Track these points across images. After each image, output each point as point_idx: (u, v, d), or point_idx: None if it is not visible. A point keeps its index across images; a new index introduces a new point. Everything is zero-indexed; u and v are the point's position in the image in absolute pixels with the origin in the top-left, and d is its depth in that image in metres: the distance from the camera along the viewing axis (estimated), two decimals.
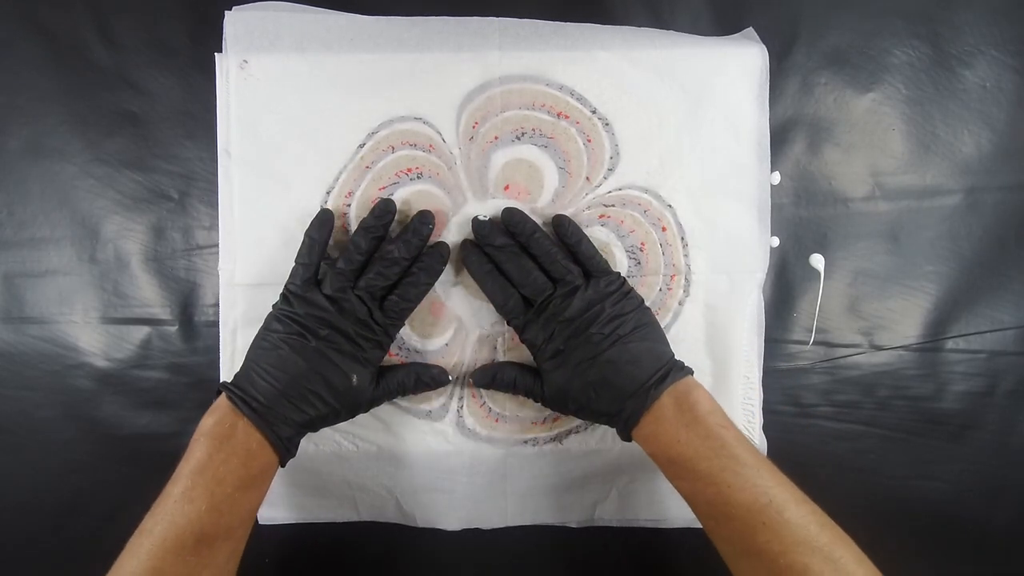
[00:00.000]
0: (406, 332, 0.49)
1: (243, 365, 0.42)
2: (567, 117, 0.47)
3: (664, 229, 0.48)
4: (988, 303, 0.51)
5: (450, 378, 0.47)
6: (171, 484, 0.38)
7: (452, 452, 0.49)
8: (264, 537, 0.51)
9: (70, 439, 0.51)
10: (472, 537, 0.51)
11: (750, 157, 0.49)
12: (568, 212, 0.48)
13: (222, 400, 0.40)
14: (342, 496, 0.50)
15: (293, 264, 0.44)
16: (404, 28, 0.47)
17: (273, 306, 0.43)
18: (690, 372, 0.42)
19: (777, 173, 0.49)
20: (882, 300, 0.51)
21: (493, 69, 0.47)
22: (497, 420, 0.49)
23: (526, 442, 0.49)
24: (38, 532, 0.51)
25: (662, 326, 0.49)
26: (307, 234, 0.44)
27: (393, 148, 0.47)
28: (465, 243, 0.47)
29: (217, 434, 0.39)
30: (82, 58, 0.49)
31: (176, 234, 0.50)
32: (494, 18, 0.47)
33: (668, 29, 0.48)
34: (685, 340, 0.49)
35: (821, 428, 0.52)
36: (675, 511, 0.51)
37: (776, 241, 0.50)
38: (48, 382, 0.51)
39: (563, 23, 0.47)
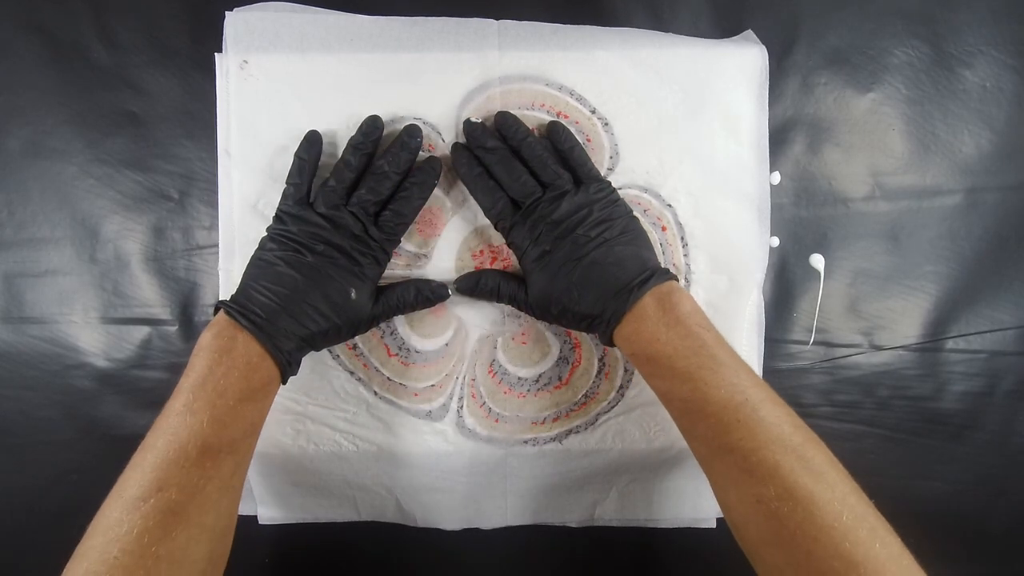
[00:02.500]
0: (406, 332, 0.49)
1: (240, 285, 0.42)
2: (567, 117, 0.47)
3: (664, 229, 0.48)
4: (988, 303, 0.51)
5: (450, 292, 0.47)
6: (172, 399, 0.38)
7: (452, 452, 0.49)
8: (264, 537, 0.51)
9: (70, 439, 0.51)
10: (472, 537, 0.51)
11: (750, 157, 0.49)
12: None
13: (220, 316, 0.40)
14: (342, 496, 0.50)
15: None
16: (404, 28, 0.47)
17: (267, 229, 0.43)
18: (674, 277, 0.42)
19: (777, 173, 0.49)
20: (882, 300, 0.51)
21: (493, 69, 0.47)
22: (497, 420, 0.49)
23: (526, 442, 0.49)
24: (38, 532, 0.51)
25: None
26: (296, 155, 0.44)
27: None
28: (455, 145, 0.46)
29: (217, 347, 0.39)
30: (82, 58, 0.49)
31: (176, 234, 0.50)
32: (493, 19, 0.47)
33: (668, 30, 0.48)
34: None
35: (821, 428, 0.51)
36: (675, 511, 0.51)
37: (776, 241, 0.50)
38: (48, 382, 0.51)
39: (563, 24, 0.47)
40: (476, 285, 0.46)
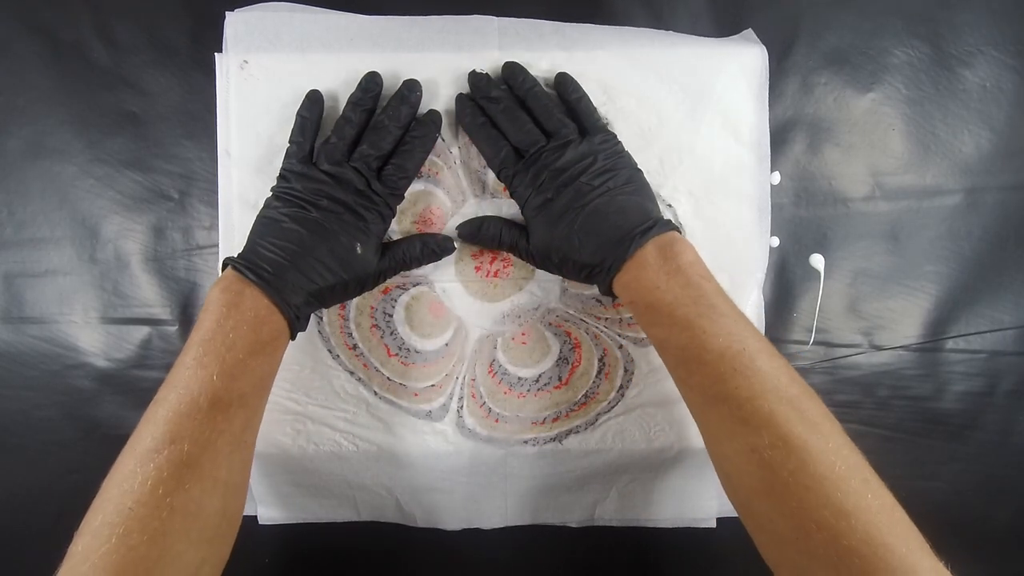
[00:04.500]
0: (406, 332, 0.49)
1: (247, 242, 0.42)
2: None
3: None
4: (988, 303, 0.51)
5: (455, 245, 0.47)
6: (183, 355, 0.38)
7: (452, 452, 0.49)
8: (264, 537, 0.51)
9: (70, 439, 0.51)
10: (472, 537, 0.51)
11: (750, 157, 0.49)
12: None
13: (228, 272, 0.40)
14: (342, 496, 0.50)
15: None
16: (404, 28, 0.47)
17: (271, 188, 0.44)
18: (676, 228, 0.42)
19: (777, 173, 0.49)
20: (882, 300, 0.51)
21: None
22: (497, 420, 0.49)
23: (526, 442, 0.49)
24: (38, 532, 0.51)
25: None
26: (298, 114, 0.44)
27: None
28: (460, 96, 0.46)
29: (225, 301, 0.39)
30: (82, 58, 0.49)
31: (176, 234, 0.50)
32: (494, 17, 0.47)
33: (668, 29, 0.48)
34: None
35: None
36: (675, 511, 0.51)
37: (776, 241, 0.50)
38: (48, 382, 0.51)
39: (563, 23, 0.47)
40: (479, 231, 0.46)
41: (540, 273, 0.49)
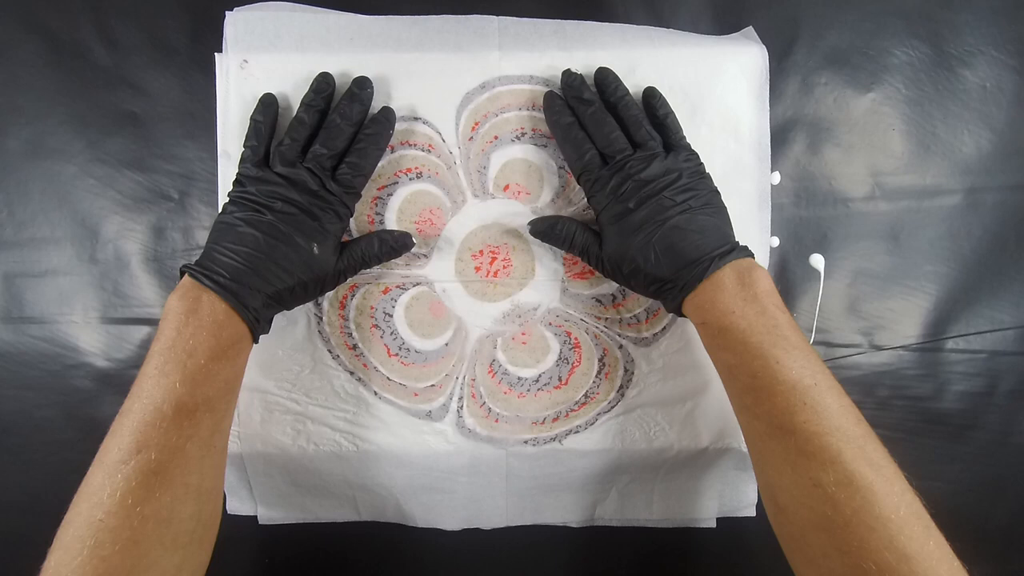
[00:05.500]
0: (406, 332, 0.49)
1: (204, 249, 0.42)
2: None
3: None
4: (988, 303, 0.51)
5: (415, 241, 0.47)
6: (145, 365, 0.38)
7: (452, 452, 0.49)
8: (264, 537, 0.51)
9: (70, 439, 0.51)
10: (472, 537, 0.51)
11: (750, 157, 0.48)
12: (568, 212, 0.48)
13: (185, 279, 0.40)
14: (342, 496, 0.50)
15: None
16: (404, 28, 0.47)
17: (228, 194, 0.43)
18: (752, 255, 0.42)
19: (777, 173, 0.49)
20: (882, 300, 0.51)
21: (493, 69, 0.47)
22: (497, 420, 0.49)
23: (526, 442, 0.49)
24: (38, 532, 0.51)
25: (662, 326, 0.49)
26: (252, 118, 0.44)
27: (392, 148, 0.47)
28: (550, 93, 0.46)
29: (183, 308, 0.39)
30: (82, 58, 0.49)
31: (176, 234, 0.50)
32: (494, 17, 0.47)
33: (668, 29, 0.48)
34: (686, 340, 0.49)
35: None
36: (675, 511, 0.51)
37: (776, 241, 0.50)
38: (48, 382, 0.51)
39: (562, 22, 0.47)
40: (552, 229, 0.45)
41: (540, 273, 0.49)
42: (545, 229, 0.46)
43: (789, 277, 0.51)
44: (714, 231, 0.42)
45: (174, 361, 0.37)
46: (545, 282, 0.49)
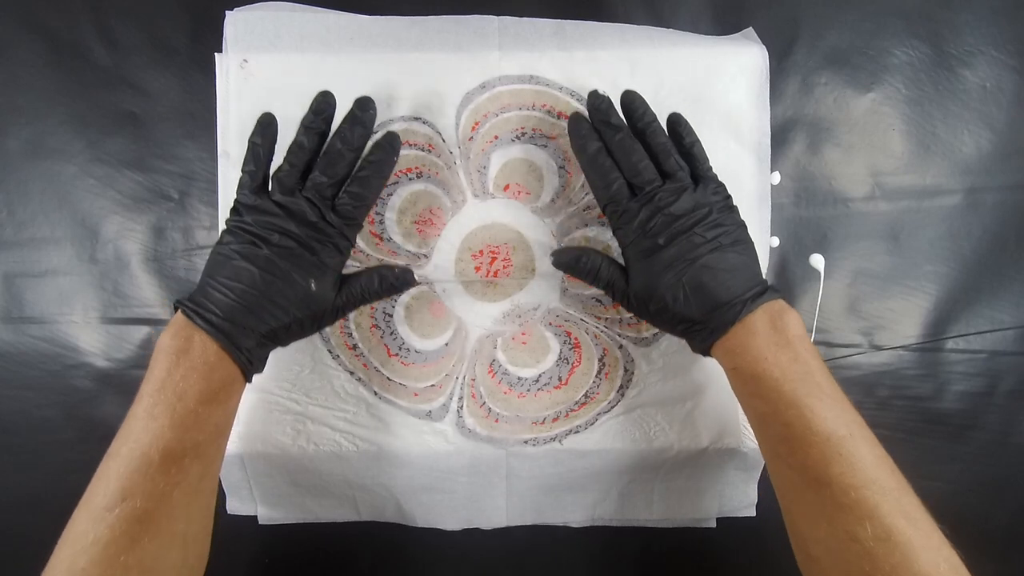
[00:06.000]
0: (406, 332, 0.49)
1: (199, 282, 0.41)
2: (567, 117, 0.47)
3: None
4: (988, 303, 0.51)
5: (416, 279, 0.45)
6: (134, 404, 0.37)
7: (452, 452, 0.49)
8: (264, 537, 0.51)
9: (70, 439, 0.51)
10: (472, 537, 0.51)
11: (750, 157, 0.48)
12: (568, 212, 0.48)
13: (178, 316, 0.39)
14: (342, 496, 0.50)
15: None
16: (404, 28, 0.47)
17: (225, 221, 0.42)
18: (783, 295, 0.41)
19: (777, 173, 0.49)
20: (882, 300, 0.51)
21: (493, 69, 0.47)
22: (497, 420, 0.49)
23: (526, 442, 0.49)
24: (38, 532, 0.51)
25: None
26: (250, 140, 0.41)
27: None
28: (576, 115, 0.44)
29: (174, 349, 0.37)
30: (82, 58, 0.49)
31: (176, 234, 0.50)
32: (494, 17, 0.47)
33: (668, 29, 0.48)
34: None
35: None
36: (675, 511, 0.51)
37: (776, 241, 0.50)
38: (48, 382, 0.51)
39: (563, 22, 0.47)
40: (577, 262, 0.44)
41: (540, 273, 0.49)
42: (569, 262, 0.44)
43: (789, 277, 0.51)
44: (744, 270, 0.41)
45: (163, 404, 0.36)
46: (545, 282, 0.49)
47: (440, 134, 0.47)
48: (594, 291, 0.49)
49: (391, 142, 0.43)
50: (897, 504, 0.34)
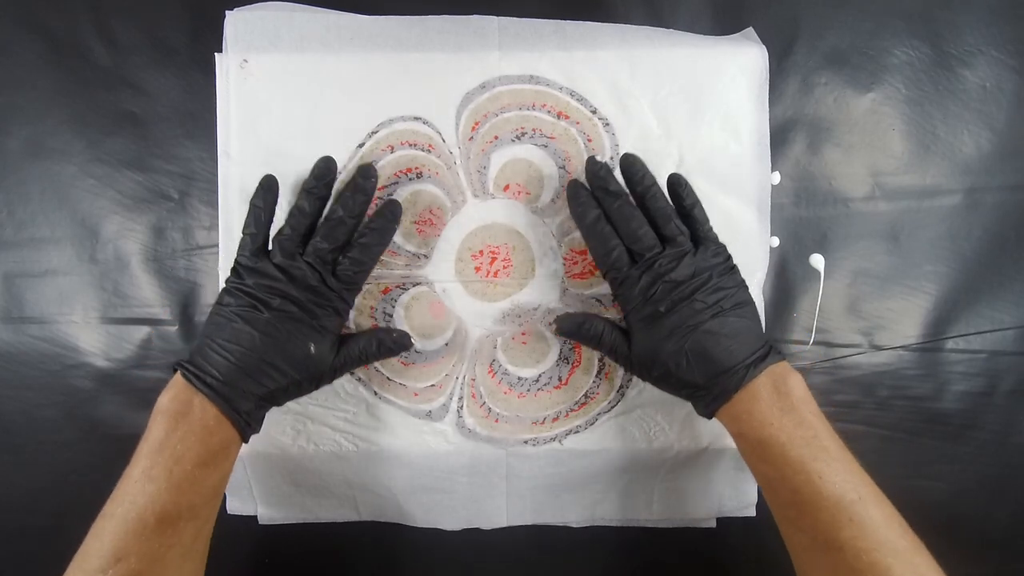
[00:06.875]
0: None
1: (198, 342, 0.41)
2: (567, 117, 0.47)
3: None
4: (988, 303, 0.51)
5: (413, 343, 0.46)
6: (131, 465, 0.37)
7: (452, 452, 0.49)
8: (264, 537, 0.51)
9: (70, 439, 0.51)
10: (472, 537, 0.51)
11: (750, 157, 0.48)
12: (568, 212, 0.48)
13: (177, 378, 0.40)
14: (342, 496, 0.50)
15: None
16: (404, 28, 0.47)
17: (225, 280, 0.42)
18: (784, 356, 0.41)
19: (777, 173, 0.49)
20: (882, 300, 0.51)
21: (493, 69, 0.47)
22: (497, 420, 0.49)
23: (526, 442, 0.49)
24: (38, 532, 0.51)
25: None
26: (251, 202, 0.42)
27: (392, 148, 0.47)
28: (574, 182, 0.45)
29: (173, 411, 0.38)
30: (82, 58, 0.49)
31: (176, 234, 0.50)
32: (494, 17, 0.47)
33: (668, 29, 0.48)
34: None
35: None
36: (675, 511, 0.51)
37: (776, 241, 0.50)
38: (48, 382, 0.51)
39: (562, 22, 0.47)
40: (579, 329, 0.44)
41: (540, 273, 0.49)
42: (572, 328, 0.45)
43: (789, 277, 0.51)
44: (746, 333, 0.41)
45: (161, 466, 0.37)
46: (545, 282, 0.49)
47: (440, 134, 0.47)
48: (594, 291, 0.49)
49: (392, 210, 0.44)
50: (910, 565, 0.35)
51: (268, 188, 0.43)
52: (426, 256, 0.48)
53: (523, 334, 0.49)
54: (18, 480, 0.51)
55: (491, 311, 0.49)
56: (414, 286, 0.49)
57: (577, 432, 0.49)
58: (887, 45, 0.50)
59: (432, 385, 0.49)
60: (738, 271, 0.43)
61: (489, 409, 0.49)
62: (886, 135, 0.50)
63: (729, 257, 0.43)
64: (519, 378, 0.49)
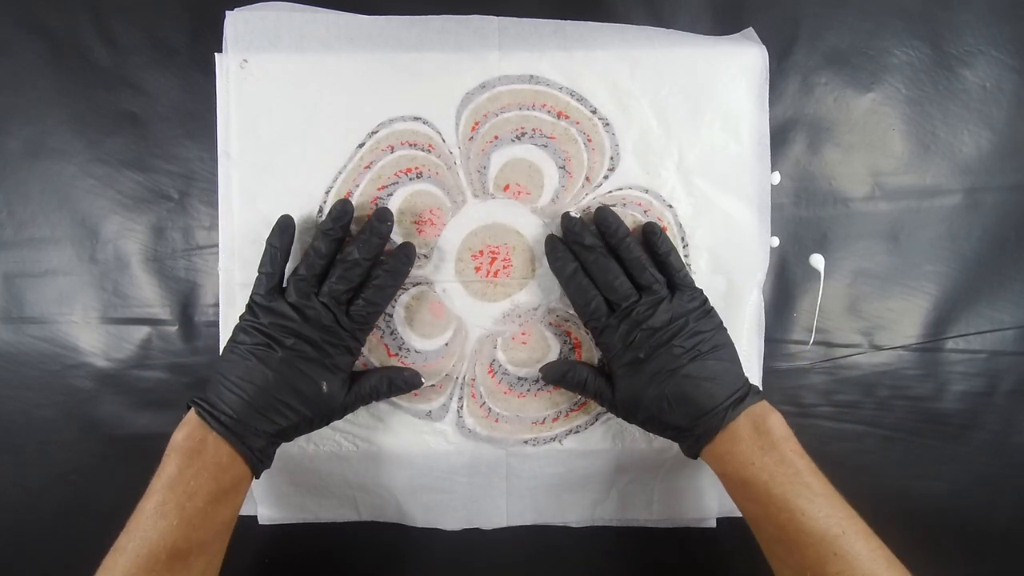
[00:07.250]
0: (406, 332, 0.49)
1: (212, 380, 0.42)
2: (567, 117, 0.47)
3: (664, 229, 0.48)
4: (988, 303, 0.51)
5: (423, 381, 0.47)
6: (144, 500, 0.38)
7: (452, 452, 0.49)
8: (264, 537, 0.51)
9: (70, 439, 0.51)
10: (472, 537, 0.51)
11: (750, 157, 0.48)
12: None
13: (191, 415, 0.40)
14: (342, 496, 0.50)
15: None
16: (404, 28, 0.47)
17: (240, 317, 0.43)
18: (763, 397, 0.42)
19: (777, 173, 0.49)
20: (882, 300, 0.51)
21: (493, 69, 0.47)
22: (497, 420, 0.49)
23: (526, 442, 0.49)
24: (38, 532, 0.51)
25: None
26: (268, 242, 0.43)
27: (392, 148, 0.47)
28: (551, 238, 0.46)
29: (187, 449, 0.39)
30: (82, 58, 0.49)
31: (176, 234, 0.50)
32: (494, 17, 0.47)
33: (668, 29, 0.48)
34: None
35: (821, 428, 0.52)
36: (675, 511, 0.51)
37: (776, 241, 0.50)
38: (48, 382, 0.51)
39: (562, 22, 0.47)
40: (564, 376, 0.46)
41: (540, 273, 0.49)
42: (557, 377, 0.46)
43: (789, 277, 0.51)
44: (725, 375, 0.42)
45: (173, 502, 0.37)
46: (545, 282, 0.49)
47: (440, 134, 0.47)
48: None
49: (407, 252, 0.45)
50: None
51: (285, 228, 0.43)
52: (426, 256, 0.48)
53: (523, 334, 0.49)
54: (18, 480, 0.51)
55: (491, 311, 0.49)
56: (414, 286, 0.49)
57: (577, 432, 0.49)
58: (887, 45, 0.50)
59: (432, 385, 0.49)
60: (716, 314, 0.44)
61: (489, 409, 0.49)
62: (886, 135, 0.50)
63: (706, 301, 0.44)
64: (519, 378, 0.49)
